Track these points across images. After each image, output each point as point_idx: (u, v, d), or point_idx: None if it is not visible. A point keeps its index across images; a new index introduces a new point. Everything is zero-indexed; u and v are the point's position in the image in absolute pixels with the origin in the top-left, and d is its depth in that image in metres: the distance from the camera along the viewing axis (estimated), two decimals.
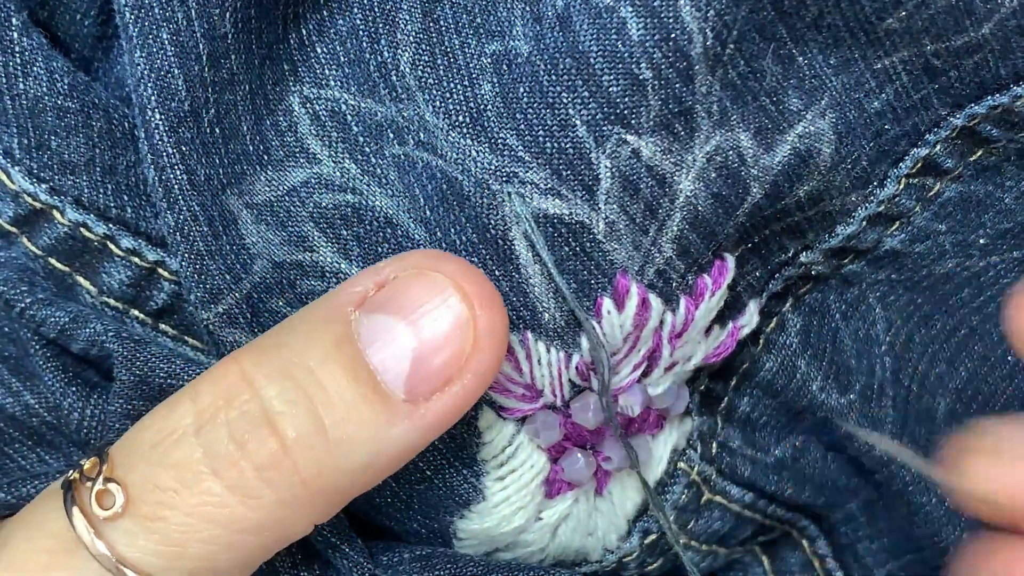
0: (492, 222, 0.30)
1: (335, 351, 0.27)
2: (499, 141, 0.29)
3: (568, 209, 0.30)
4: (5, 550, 0.29)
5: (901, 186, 0.34)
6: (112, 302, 0.33)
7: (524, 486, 0.33)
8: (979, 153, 0.34)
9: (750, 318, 0.34)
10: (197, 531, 0.27)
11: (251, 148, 0.31)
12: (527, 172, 0.29)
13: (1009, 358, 0.37)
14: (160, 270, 0.33)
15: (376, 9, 0.31)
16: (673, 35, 0.28)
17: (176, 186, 0.30)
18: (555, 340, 0.31)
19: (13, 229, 0.33)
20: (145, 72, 0.29)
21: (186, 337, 0.34)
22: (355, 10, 0.31)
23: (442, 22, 0.30)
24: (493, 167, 0.29)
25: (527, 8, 0.30)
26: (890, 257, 0.35)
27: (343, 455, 0.27)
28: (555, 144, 0.29)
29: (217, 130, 0.30)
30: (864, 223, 0.34)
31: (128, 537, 0.27)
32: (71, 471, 0.29)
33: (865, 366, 0.37)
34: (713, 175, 0.31)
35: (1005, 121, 0.33)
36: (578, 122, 0.29)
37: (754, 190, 0.31)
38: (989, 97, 0.32)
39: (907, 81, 0.31)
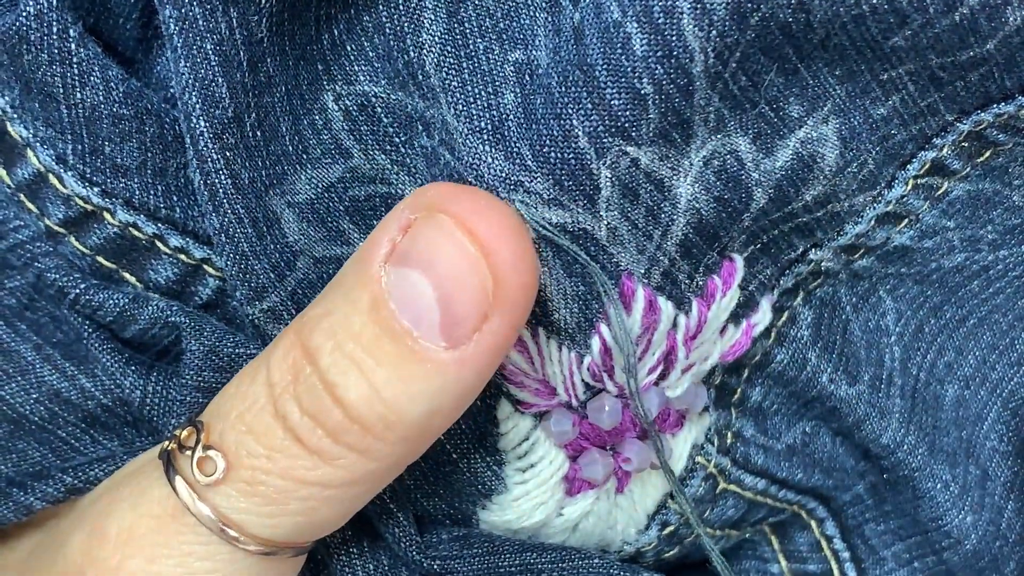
0: None
1: (372, 314, 0.28)
2: (514, 150, 0.30)
3: (570, 217, 0.30)
4: (111, 519, 0.30)
5: (909, 187, 0.34)
6: (158, 297, 0.34)
7: (544, 482, 0.34)
8: (987, 154, 0.34)
9: (763, 315, 0.35)
10: (294, 491, 0.29)
11: (291, 148, 0.32)
12: (532, 181, 0.30)
13: (1017, 346, 0.38)
14: (206, 266, 0.34)
15: (401, 7, 0.31)
16: (675, 52, 0.29)
17: (221, 190, 0.31)
18: (566, 340, 0.32)
19: (61, 230, 0.34)
20: (190, 81, 0.30)
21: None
22: (380, 6, 0.32)
23: (466, 24, 0.31)
24: (504, 174, 0.30)
25: (549, 19, 0.30)
26: (899, 252, 0.36)
27: (404, 410, 0.28)
28: (558, 155, 0.30)
29: (259, 133, 0.31)
30: (873, 222, 0.34)
31: (230, 500, 0.29)
32: (167, 441, 0.30)
33: (874, 356, 0.37)
34: (712, 178, 0.31)
35: (1011, 127, 0.33)
36: (580, 133, 0.29)
37: (757, 194, 0.32)
38: (995, 106, 0.33)
39: (913, 90, 0.32)
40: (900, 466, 0.38)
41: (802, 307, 0.37)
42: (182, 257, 0.34)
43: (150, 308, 0.33)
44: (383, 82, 0.32)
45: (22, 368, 0.34)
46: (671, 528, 0.37)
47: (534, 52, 0.30)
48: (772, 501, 0.39)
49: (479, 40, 0.31)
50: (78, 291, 0.33)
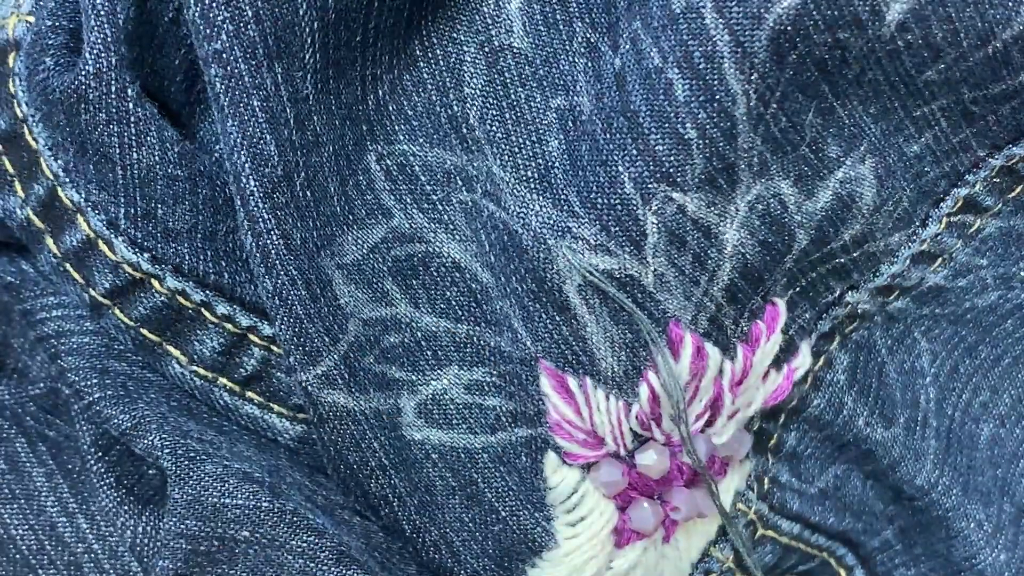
0: (548, 275, 0.31)
1: None
2: (561, 197, 0.30)
3: (617, 264, 0.31)
4: None
5: (943, 225, 0.35)
6: (201, 371, 0.34)
7: (595, 535, 0.34)
8: (1018, 190, 0.35)
9: (803, 359, 0.35)
10: None
11: (338, 209, 0.32)
12: (580, 228, 0.30)
13: None
14: (251, 336, 0.34)
15: (441, 62, 0.32)
16: (717, 96, 0.29)
17: (273, 251, 0.30)
18: (613, 389, 0.32)
19: (106, 301, 0.33)
20: (238, 140, 0.30)
21: (272, 404, 0.35)
22: (420, 64, 0.32)
23: (506, 74, 0.31)
24: (552, 222, 0.31)
25: (589, 64, 0.31)
26: (933, 293, 0.36)
27: None
28: (605, 200, 0.30)
29: (308, 193, 0.31)
30: (908, 262, 0.35)
31: None
32: None
33: (910, 398, 0.38)
34: (757, 223, 0.32)
35: None
36: (626, 179, 0.30)
37: (800, 236, 0.32)
38: None
39: (946, 126, 0.33)
40: (933, 507, 0.38)
41: (838, 351, 0.37)
42: (228, 326, 0.34)
43: (146, 441, 0.33)
44: (421, 140, 0.32)
45: (29, 492, 0.34)
46: (714, 575, 0.37)
47: (576, 98, 0.31)
48: (805, 546, 0.39)
49: (520, 88, 0.31)
50: (92, 399, 0.33)
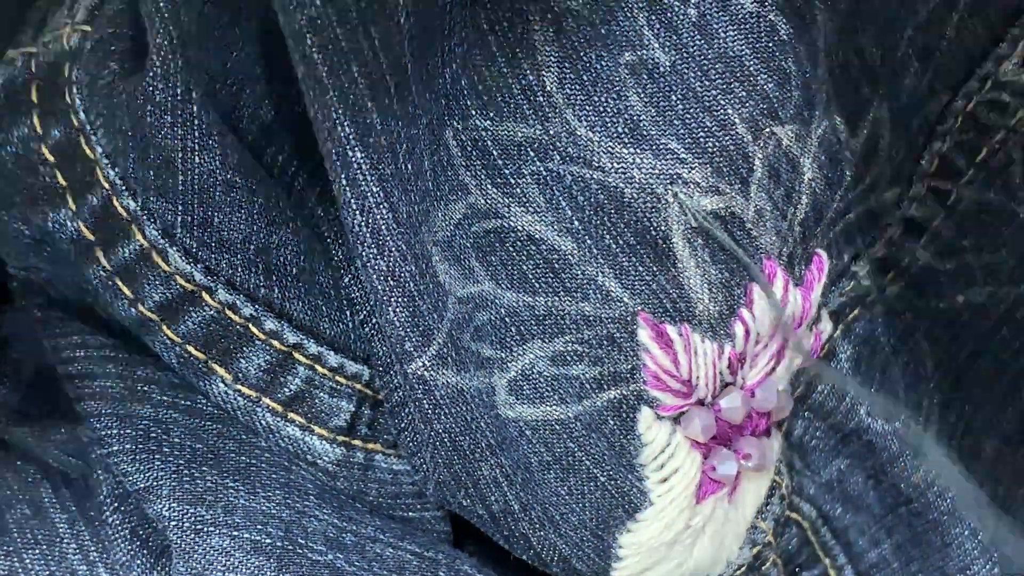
0: (653, 224, 0.32)
1: None
2: (660, 146, 0.32)
3: (724, 203, 0.32)
4: None
5: (924, 187, 0.38)
6: (245, 390, 0.34)
7: (687, 486, 0.34)
8: (984, 151, 0.38)
9: (826, 324, 0.37)
10: None
11: (431, 184, 0.32)
12: (690, 172, 0.32)
13: None
14: (296, 354, 0.34)
15: (509, 34, 0.32)
16: (811, 30, 0.32)
17: (384, 226, 0.30)
18: (708, 332, 0.33)
19: (154, 317, 0.33)
20: (340, 112, 0.29)
21: (313, 426, 0.35)
22: (488, 38, 0.32)
23: (573, 37, 0.32)
24: (657, 171, 0.32)
25: (653, 18, 0.32)
26: (926, 277, 0.39)
27: None
28: (716, 143, 0.32)
29: (409, 166, 0.31)
30: (900, 227, 0.38)
31: None
32: None
33: (912, 399, 0.40)
34: (823, 156, 0.34)
35: (997, 104, 0.37)
36: (737, 120, 0.32)
37: (846, 172, 0.35)
38: (977, 69, 0.37)
39: (918, 66, 0.36)
40: (929, 509, 0.40)
41: (841, 340, 0.39)
42: (275, 343, 0.33)
43: (155, 508, 0.33)
44: (492, 114, 0.33)
45: (51, 537, 0.34)
46: (757, 548, 0.38)
47: (645, 52, 0.32)
48: (816, 543, 0.40)
49: (588, 49, 0.32)
50: (111, 449, 0.33)
